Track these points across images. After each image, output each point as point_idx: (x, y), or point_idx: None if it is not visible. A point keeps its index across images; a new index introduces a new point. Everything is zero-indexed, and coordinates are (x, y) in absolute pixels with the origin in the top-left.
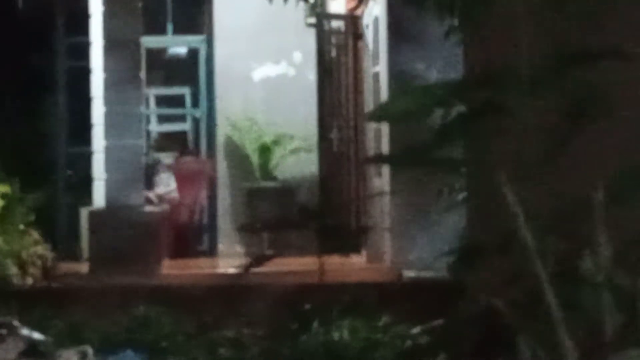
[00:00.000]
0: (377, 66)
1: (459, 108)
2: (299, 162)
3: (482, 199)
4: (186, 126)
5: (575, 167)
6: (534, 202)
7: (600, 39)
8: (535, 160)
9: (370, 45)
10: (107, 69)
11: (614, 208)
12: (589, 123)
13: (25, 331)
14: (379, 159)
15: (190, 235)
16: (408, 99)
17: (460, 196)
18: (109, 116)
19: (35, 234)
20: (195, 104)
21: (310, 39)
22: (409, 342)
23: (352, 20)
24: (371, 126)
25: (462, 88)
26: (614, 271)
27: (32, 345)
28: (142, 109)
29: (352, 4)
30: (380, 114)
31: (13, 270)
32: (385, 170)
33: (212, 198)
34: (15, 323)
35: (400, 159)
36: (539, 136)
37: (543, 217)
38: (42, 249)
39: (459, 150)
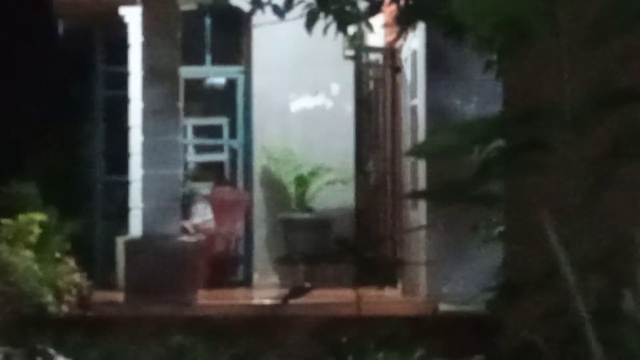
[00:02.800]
0: (415, 99)
1: (498, 143)
2: (335, 194)
3: (522, 234)
4: (223, 156)
5: (616, 205)
6: (575, 239)
7: None
8: (577, 197)
9: (408, 79)
10: (145, 98)
11: None
12: (631, 161)
13: (60, 359)
14: (419, 194)
15: (226, 266)
16: (448, 137)
17: (497, 231)
18: (146, 146)
19: (71, 262)
20: (233, 134)
21: (348, 71)
22: None
23: (391, 53)
24: (408, 159)
25: (502, 124)
26: None
27: None
28: (180, 138)
29: (391, 37)
30: (420, 150)
31: (49, 298)
32: (422, 203)
33: (248, 228)
34: (51, 351)
35: (439, 195)
36: (581, 173)
37: (584, 255)
38: (78, 278)
39: (498, 186)
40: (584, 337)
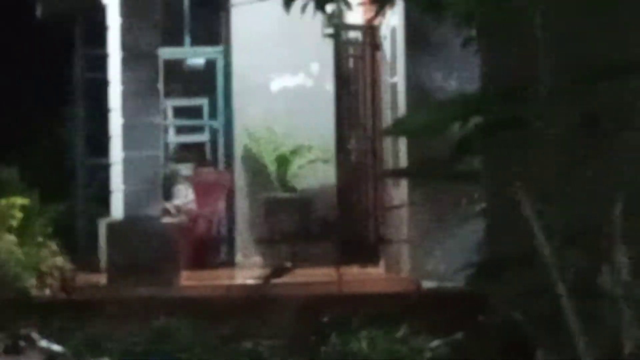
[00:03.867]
0: (395, 77)
1: (477, 120)
2: (317, 173)
3: (501, 212)
4: (204, 137)
5: (594, 181)
6: (553, 215)
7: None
8: (555, 173)
9: (388, 56)
10: (125, 80)
11: (633, 222)
12: (608, 137)
13: (44, 343)
14: (398, 172)
15: (209, 247)
16: (426, 114)
17: (478, 207)
18: (127, 128)
19: (53, 246)
20: (213, 115)
21: (327, 49)
22: (428, 355)
23: (370, 30)
24: (389, 137)
25: (481, 101)
26: (632, 285)
27: (50, 357)
28: (160, 120)
29: (370, 15)
30: (398, 128)
31: (31, 282)
32: (403, 181)
33: (230, 209)
34: (34, 335)
35: (419, 173)
36: (558, 149)
37: (562, 231)
38: (61, 261)
39: (478, 162)
40: (563, 312)
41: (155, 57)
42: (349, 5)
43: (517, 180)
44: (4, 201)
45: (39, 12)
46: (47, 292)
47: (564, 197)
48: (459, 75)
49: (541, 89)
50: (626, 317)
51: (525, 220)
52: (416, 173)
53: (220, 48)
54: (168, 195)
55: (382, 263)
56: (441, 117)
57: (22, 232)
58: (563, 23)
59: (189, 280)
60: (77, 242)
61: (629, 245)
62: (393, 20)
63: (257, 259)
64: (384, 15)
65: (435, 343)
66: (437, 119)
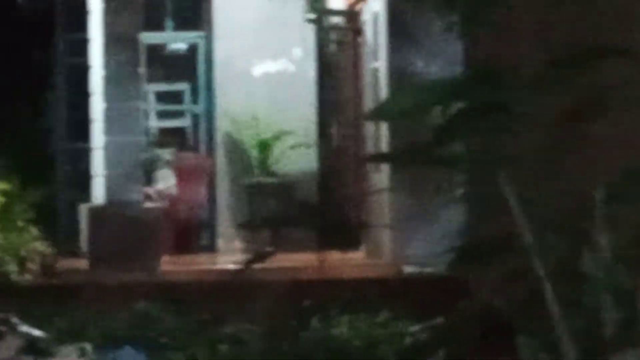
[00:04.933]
0: (377, 62)
1: (459, 105)
2: (298, 158)
3: (482, 197)
4: (186, 122)
5: (576, 166)
6: (535, 200)
7: (606, 37)
8: (537, 158)
9: (370, 41)
10: (106, 65)
11: (615, 207)
12: (590, 122)
13: (24, 328)
14: (380, 157)
15: (190, 232)
16: (408, 98)
17: (460, 192)
18: (108, 112)
19: (34, 231)
20: (195, 100)
21: (310, 35)
22: (409, 339)
23: (352, 16)
24: (371, 122)
25: (462, 86)
26: (614, 270)
27: (31, 342)
28: (142, 105)
29: (352, 0)
30: (380, 112)
31: (12, 267)
32: (385, 166)
33: (212, 194)
34: (15, 320)
35: (401, 157)
36: (541, 134)
37: (543, 215)
38: (42, 246)
39: (460, 147)
40: (544, 296)
41: (136, 41)
42: None
43: (498, 165)
44: None
45: None
46: (28, 277)
47: (545, 182)
48: (441, 61)
49: (523, 74)
50: (606, 302)
51: (506, 205)
52: (398, 158)
53: (202, 33)
54: (149, 180)
55: (363, 248)
56: (423, 102)
57: (3, 217)
58: (544, 9)
59: (170, 265)
60: (58, 227)
61: (609, 230)
62: (375, 6)
63: (239, 244)
64: (366, 0)
65: (415, 328)
66: (419, 103)
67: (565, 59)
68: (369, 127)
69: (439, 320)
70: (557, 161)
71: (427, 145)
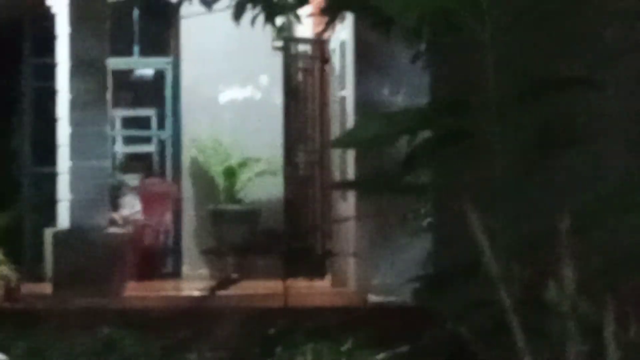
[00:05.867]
0: (344, 90)
1: (425, 134)
2: (264, 186)
3: (448, 225)
4: (152, 148)
5: (541, 196)
6: (500, 229)
7: (569, 66)
8: (502, 187)
9: (337, 70)
10: (73, 90)
11: (579, 237)
12: (556, 151)
13: None
14: (346, 184)
15: (155, 258)
16: (374, 126)
17: (426, 221)
18: (74, 137)
19: None
20: (161, 125)
21: (277, 62)
22: None
23: (319, 44)
24: (337, 150)
25: (428, 114)
26: (578, 300)
27: None
28: (108, 130)
29: (320, 28)
30: (347, 140)
31: None
32: (351, 194)
33: (177, 220)
34: None
35: (368, 185)
36: (506, 163)
37: (508, 245)
38: (6, 270)
39: (426, 176)
40: (509, 326)
41: (104, 66)
42: (298, 19)
43: (464, 193)
44: None
45: None
46: None
47: (511, 210)
48: (407, 90)
49: (489, 102)
50: (571, 332)
51: (472, 234)
52: (364, 185)
53: (169, 59)
54: (115, 205)
55: (328, 276)
56: (390, 129)
57: None
58: (510, 38)
59: (135, 291)
60: (22, 252)
61: (575, 260)
62: (342, 34)
63: (204, 270)
64: (333, 29)
65: (380, 356)
66: (386, 131)
67: (532, 87)
68: (335, 156)
69: (404, 348)
70: (522, 190)
71: (393, 173)
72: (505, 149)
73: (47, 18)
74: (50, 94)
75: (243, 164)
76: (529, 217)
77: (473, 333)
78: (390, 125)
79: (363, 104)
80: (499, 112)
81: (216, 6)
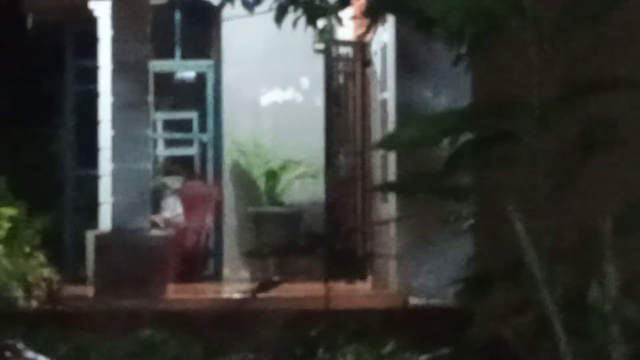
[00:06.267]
0: (385, 93)
1: (467, 136)
2: (305, 188)
3: (490, 227)
4: (193, 151)
5: (584, 197)
6: (542, 230)
7: (612, 68)
8: (544, 189)
9: (379, 72)
10: (115, 92)
11: (622, 238)
12: (598, 153)
13: (30, 354)
14: (388, 186)
15: (196, 260)
16: (417, 128)
17: (467, 224)
18: (116, 140)
19: (41, 257)
20: (203, 128)
21: (318, 65)
22: None
23: (361, 46)
24: (378, 152)
25: (471, 116)
26: (621, 301)
27: None
28: (150, 132)
29: (361, 31)
30: (389, 142)
31: (18, 292)
32: (392, 197)
33: (218, 223)
34: (20, 346)
35: (409, 187)
36: (548, 165)
37: (551, 246)
38: (48, 272)
39: (468, 178)
40: (551, 328)
41: (145, 69)
42: (340, 21)
43: (506, 194)
44: None
45: (30, 23)
46: (34, 303)
47: (553, 212)
48: (449, 93)
49: (532, 104)
50: (614, 334)
51: (514, 236)
52: (406, 187)
53: (210, 62)
54: (156, 208)
55: (369, 278)
56: (433, 131)
57: (10, 243)
58: (553, 39)
59: (176, 293)
60: (64, 254)
61: (618, 261)
62: (384, 37)
63: (244, 273)
64: (375, 31)
65: (423, 358)
66: (428, 133)
67: (574, 89)
68: (376, 158)
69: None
70: (565, 191)
71: (435, 176)
72: (547, 150)
73: (90, 21)
74: (92, 97)
75: (284, 167)
76: (571, 218)
77: (515, 335)
78: (432, 126)
79: (404, 106)
80: (542, 114)
81: (258, 9)
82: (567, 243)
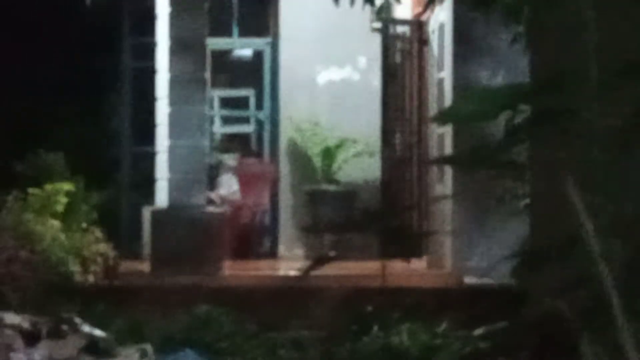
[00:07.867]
0: (442, 72)
1: (524, 112)
2: (361, 166)
3: (547, 203)
4: (250, 128)
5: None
6: (599, 207)
7: None
8: (602, 165)
9: (436, 51)
10: (172, 69)
11: None
12: None
13: (86, 328)
14: (444, 160)
15: (252, 237)
16: (474, 102)
17: (523, 202)
18: (173, 116)
19: (97, 232)
20: (259, 106)
21: (375, 43)
22: (468, 347)
23: (418, 25)
24: (434, 131)
25: (529, 92)
26: None
27: (92, 342)
28: (207, 110)
29: (418, 10)
30: (446, 116)
31: (75, 267)
32: (448, 175)
33: (274, 200)
34: (77, 320)
35: (465, 160)
36: (606, 141)
37: (609, 223)
38: (104, 247)
39: (524, 154)
40: (608, 305)
41: (202, 46)
42: (397, 0)
43: (562, 170)
44: (49, 186)
45: (88, 0)
46: (90, 278)
47: (610, 188)
48: (506, 72)
49: (589, 80)
50: None
51: (570, 212)
52: (462, 161)
53: (268, 39)
54: (212, 185)
55: (424, 257)
56: (490, 105)
57: (67, 218)
58: (610, 17)
59: (232, 269)
60: (121, 230)
61: None
62: (441, 16)
63: (300, 250)
64: (432, 10)
65: (478, 331)
66: (486, 107)
67: (631, 66)
68: (433, 137)
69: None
70: (621, 168)
71: (492, 149)
72: (604, 127)
73: None
74: (149, 74)
75: (340, 145)
76: (628, 194)
77: (572, 310)
78: (490, 101)
79: (461, 85)
80: (599, 91)
81: None
82: (625, 218)
